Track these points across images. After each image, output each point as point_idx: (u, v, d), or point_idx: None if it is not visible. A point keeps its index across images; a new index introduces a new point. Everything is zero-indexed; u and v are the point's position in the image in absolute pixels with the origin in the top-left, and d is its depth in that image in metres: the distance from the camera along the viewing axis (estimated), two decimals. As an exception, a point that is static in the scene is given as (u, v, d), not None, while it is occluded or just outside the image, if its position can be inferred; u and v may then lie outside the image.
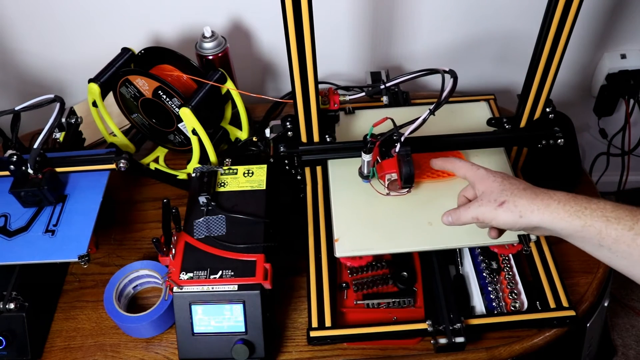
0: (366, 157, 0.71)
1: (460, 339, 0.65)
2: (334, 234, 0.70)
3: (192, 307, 0.65)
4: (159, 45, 0.87)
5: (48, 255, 0.70)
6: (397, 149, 0.69)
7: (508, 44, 1.07)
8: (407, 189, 0.72)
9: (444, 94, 0.65)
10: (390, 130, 0.69)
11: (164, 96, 0.79)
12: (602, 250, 0.52)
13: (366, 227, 0.71)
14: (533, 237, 0.71)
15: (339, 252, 0.68)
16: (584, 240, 0.53)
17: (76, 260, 0.68)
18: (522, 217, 0.55)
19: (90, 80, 0.80)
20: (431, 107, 0.66)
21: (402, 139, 0.68)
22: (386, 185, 0.72)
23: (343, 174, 0.78)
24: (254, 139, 0.90)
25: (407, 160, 0.68)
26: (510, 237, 0.69)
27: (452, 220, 0.61)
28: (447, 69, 0.66)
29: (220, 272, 0.66)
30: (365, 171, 0.73)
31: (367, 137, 0.70)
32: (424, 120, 0.66)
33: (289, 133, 0.78)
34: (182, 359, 0.66)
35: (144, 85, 0.79)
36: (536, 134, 0.79)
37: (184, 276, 0.66)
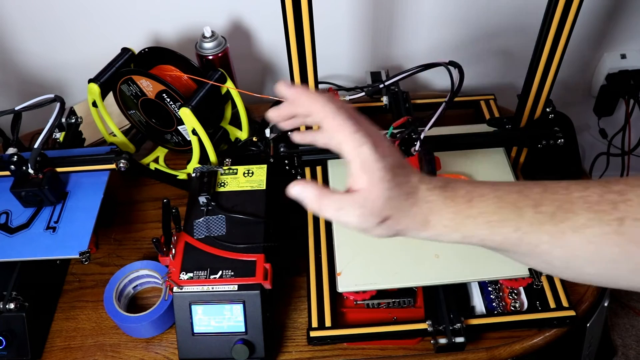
0: None
1: (460, 339, 0.65)
2: (337, 267, 0.68)
3: (192, 307, 0.65)
4: (159, 45, 0.87)
5: (49, 252, 0.70)
6: (416, 147, 0.68)
7: (509, 42, 1.07)
8: None
9: (456, 84, 0.64)
10: (409, 129, 0.68)
11: (168, 99, 0.79)
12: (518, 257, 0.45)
13: (370, 259, 0.68)
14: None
15: (342, 287, 0.66)
16: (489, 247, 0.45)
17: (77, 256, 0.68)
18: (402, 235, 0.46)
19: (90, 81, 0.80)
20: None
21: (422, 136, 0.67)
22: None
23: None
24: (254, 139, 0.90)
25: (429, 159, 0.67)
26: (520, 271, 0.67)
27: (312, 205, 0.44)
28: (447, 61, 0.65)
29: (220, 272, 0.66)
30: None
31: (387, 136, 0.69)
32: (440, 115, 0.65)
33: (289, 133, 0.78)
34: (182, 359, 0.66)
35: (148, 86, 0.79)
36: (536, 134, 0.79)
37: (184, 276, 0.66)
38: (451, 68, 0.64)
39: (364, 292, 0.68)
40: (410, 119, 0.68)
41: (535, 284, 0.69)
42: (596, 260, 0.43)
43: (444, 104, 0.64)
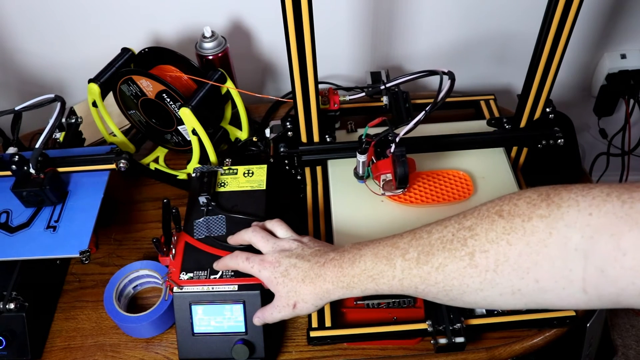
0: (361, 158, 0.70)
1: (460, 339, 0.65)
2: None
3: (192, 307, 0.65)
4: (159, 45, 0.87)
5: (49, 251, 0.70)
6: (392, 150, 0.69)
7: (508, 43, 1.07)
8: (401, 190, 0.72)
9: (441, 95, 0.64)
10: (385, 131, 0.68)
11: (168, 99, 0.79)
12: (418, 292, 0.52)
13: None
14: None
15: None
16: (397, 291, 0.53)
17: (77, 256, 0.68)
18: (318, 305, 0.58)
19: (90, 80, 0.80)
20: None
21: (397, 139, 0.68)
22: (381, 186, 0.72)
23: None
24: (254, 139, 0.90)
25: (402, 161, 0.67)
26: None
27: (260, 322, 0.63)
28: (445, 71, 0.65)
29: (220, 272, 0.66)
30: (360, 171, 0.73)
31: (362, 137, 0.70)
32: (419, 121, 0.66)
33: (289, 133, 0.78)
34: (182, 359, 0.66)
35: (148, 86, 0.79)
36: (536, 134, 0.79)
37: (184, 276, 0.66)
38: (445, 77, 0.65)
39: None
40: (386, 119, 0.68)
41: None
42: (467, 291, 0.48)
43: (423, 112, 0.65)
